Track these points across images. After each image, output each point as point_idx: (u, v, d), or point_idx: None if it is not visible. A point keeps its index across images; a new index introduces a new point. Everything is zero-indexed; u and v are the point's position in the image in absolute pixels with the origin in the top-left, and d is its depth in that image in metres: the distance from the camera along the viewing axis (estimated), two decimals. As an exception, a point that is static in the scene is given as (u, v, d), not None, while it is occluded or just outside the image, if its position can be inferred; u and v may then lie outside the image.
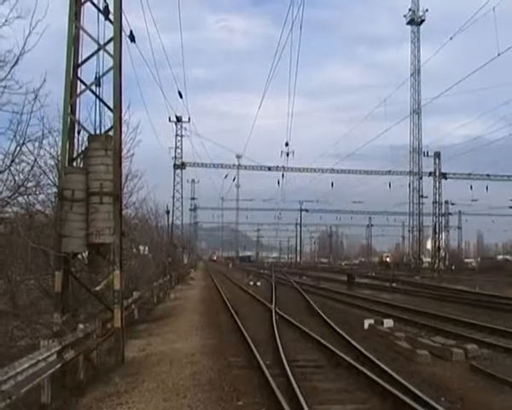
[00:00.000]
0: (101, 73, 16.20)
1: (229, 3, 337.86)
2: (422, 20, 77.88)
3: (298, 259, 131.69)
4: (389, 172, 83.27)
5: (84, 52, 16.22)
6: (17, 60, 12.06)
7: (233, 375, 13.74)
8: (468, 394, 11.82)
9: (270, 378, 12.49)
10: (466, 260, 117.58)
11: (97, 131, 16.12)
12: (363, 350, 15.71)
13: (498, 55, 40.24)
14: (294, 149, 67.97)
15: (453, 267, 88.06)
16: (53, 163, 17.13)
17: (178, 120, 73.96)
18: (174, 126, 75.64)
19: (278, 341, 17.50)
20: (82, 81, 16.26)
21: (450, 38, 52.30)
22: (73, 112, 15.99)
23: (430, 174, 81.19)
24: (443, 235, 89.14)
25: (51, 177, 16.70)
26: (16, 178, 13.32)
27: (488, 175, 79.76)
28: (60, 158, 16.08)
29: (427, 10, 77.41)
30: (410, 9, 77.92)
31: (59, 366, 11.58)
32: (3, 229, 14.53)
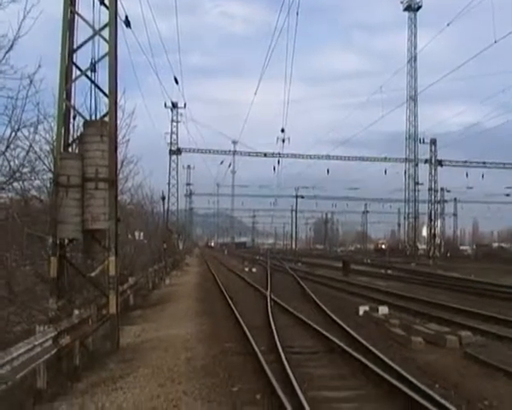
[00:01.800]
0: (96, 59, 16.17)
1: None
2: (419, 7, 77.69)
3: (293, 245, 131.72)
4: (385, 158, 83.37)
5: (80, 37, 16.18)
6: (12, 45, 12.05)
7: (228, 361, 13.78)
8: (462, 381, 11.86)
9: (264, 364, 12.52)
10: (461, 248, 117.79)
11: (93, 117, 16.11)
12: (357, 337, 15.76)
13: (495, 42, 40.15)
14: (290, 135, 68.25)
15: (448, 255, 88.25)
16: (48, 149, 17.13)
17: (174, 105, 73.97)
18: (170, 112, 75.60)
19: (273, 327, 17.55)
20: (77, 67, 16.22)
21: (447, 25, 52.01)
22: (69, 97, 15.96)
23: (426, 161, 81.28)
24: (438, 222, 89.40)
25: (47, 162, 16.69)
26: (11, 163, 13.33)
27: (484, 163, 79.81)
28: (55, 144, 16.07)
29: (424, -5, 77.17)
30: (406, -5, 77.72)
31: (54, 351, 11.59)
32: (-1, 215, 14.53)
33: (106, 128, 15.64)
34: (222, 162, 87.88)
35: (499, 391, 11.15)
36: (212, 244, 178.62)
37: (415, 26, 77.92)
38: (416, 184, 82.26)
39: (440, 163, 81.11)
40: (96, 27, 15.99)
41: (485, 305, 24.07)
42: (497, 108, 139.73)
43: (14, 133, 12.88)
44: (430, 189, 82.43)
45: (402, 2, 78.61)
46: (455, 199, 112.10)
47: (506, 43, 40.09)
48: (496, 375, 12.31)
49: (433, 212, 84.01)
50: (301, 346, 15.73)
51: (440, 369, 12.86)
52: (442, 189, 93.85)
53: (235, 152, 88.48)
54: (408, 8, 78.07)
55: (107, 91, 15.95)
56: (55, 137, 16.18)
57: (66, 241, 16.20)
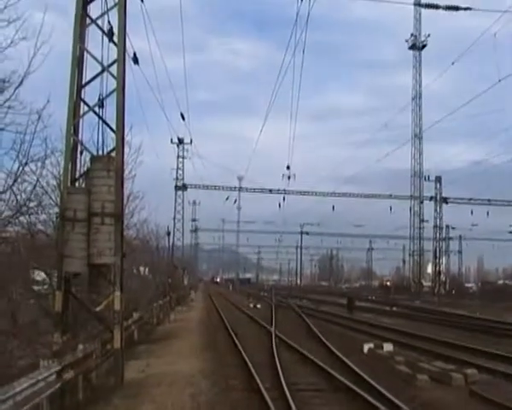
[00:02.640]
0: (104, 95, 16.33)
1: (234, 28, 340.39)
2: (424, 45, 78.20)
3: (298, 281, 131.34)
4: (390, 196, 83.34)
5: (88, 73, 16.38)
6: (21, 81, 12.22)
7: (232, 398, 13.72)
8: (468, 419, 11.80)
9: (269, 401, 12.47)
10: (466, 285, 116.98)
11: (100, 152, 16.22)
12: (362, 374, 15.67)
13: (499, 81, 40.51)
14: (296, 172, 68.10)
15: (453, 292, 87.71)
16: (55, 183, 17.26)
17: (180, 141, 74.23)
18: (176, 148, 75.90)
19: (278, 363, 17.48)
20: (85, 102, 16.38)
21: (452, 64, 52.60)
22: (76, 132, 16.10)
23: (431, 198, 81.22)
24: (443, 259, 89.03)
25: (53, 197, 16.81)
26: (18, 197, 13.42)
27: (489, 200, 79.74)
28: (62, 178, 16.17)
29: (429, 35, 77.81)
30: (411, 34, 78.37)
31: (58, 386, 11.56)
32: (5, 248, 14.59)
33: (113, 163, 15.74)
34: (227, 198, 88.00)
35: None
36: (218, 280, 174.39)
37: (419, 64, 78.45)
38: (422, 221, 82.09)
39: (445, 200, 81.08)
40: (105, 64, 16.19)
41: (490, 343, 23.92)
42: (501, 146, 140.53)
43: (21, 168, 13.00)
44: (435, 226, 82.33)
45: (407, 41, 79.22)
46: (460, 236, 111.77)
47: (509, 81, 40.44)
48: (502, 413, 12.23)
49: (438, 249, 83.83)
50: (306, 383, 15.64)
51: (445, 407, 12.80)
52: (447, 226, 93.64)
53: (240, 188, 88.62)
54: (413, 47, 78.60)
55: (114, 127, 16.09)
56: (61, 172, 16.29)
57: (72, 275, 16.20)
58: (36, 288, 18.07)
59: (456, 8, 46.27)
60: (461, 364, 17.82)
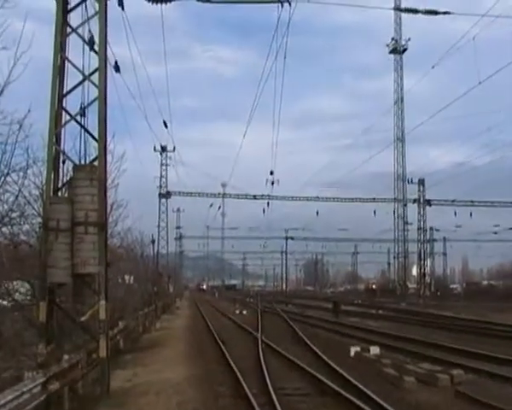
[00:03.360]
0: (86, 104, 16.26)
1: (218, 35, 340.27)
2: (405, 49, 78.70)
3: (284, 287, 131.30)
4: (374, 199, 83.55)
5: (69, 82, 16.29)
6: (2, 90, 12.18)
7: (220, 405, 13.70)
8: (454, 419, 11.85)
9: (256, 407, 12.47)
10: (451, 286, 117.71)
11: (82, 161, 16.14)
12: (349, 377, 15.70)
13: (479, 83, 40.83)
14: (279, 177, 68.04)
15: (439, 293, 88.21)
16: (38, 193, 17.16)
17: (163, 149, 74.16)
18: (159, 156, 75.78)
19: (264, 369, 17.47)
20: (67, 111, 16.30)
21: (432, 67, 52.94)
22: (58, 142, 16.00)
23: (415, 201, 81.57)
24: (428, 261, 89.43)
25: (36, 207, 16.72)
26: (0, 208, 13.35)
27: (472, 201, 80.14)
28: (44, 188, 16.07)
29: (409, 39, 78.30)
30: (392, 38, 78.84)
31: (43, 397, 11.47)
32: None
33: (95, 172, 15.66)
34: (211, 205, 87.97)
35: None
36: (204, 287, 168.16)
37: (401, 68, 78.89)
38: (406, 223, 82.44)
39: (429, 203, 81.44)
40: (86, 72, 16.13)
41: (475, 343, 24.05)
42: (483, 147, 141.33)
43: (3, 178, 12.97)
44: (419, 228, 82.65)
45: (388, 46, 79.71)
46: (444, 238, 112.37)
47: (490, 84, 40.79)
48: (488, 413, 12.30)
49: (422, 251, 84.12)
50: (293, 388, 15.64)
51: (432, 408, 12.84)
52: (431, 228, 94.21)
53: (224, 195, 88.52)
54: (394, 51, 79.04)
55: (96, 136, 16.01)
56: (44, 182, 16.19)
57: (56, 285, 16.10)
58: (19, 298, 17.94)
59: (435, 13, 46.52)
60: (447, 365, 17.92)
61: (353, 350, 21.88)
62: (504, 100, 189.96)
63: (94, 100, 16.07)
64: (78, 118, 16.37)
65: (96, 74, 16.00)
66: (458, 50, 45.30)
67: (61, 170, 16.23)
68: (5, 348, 13.52)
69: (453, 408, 12.89)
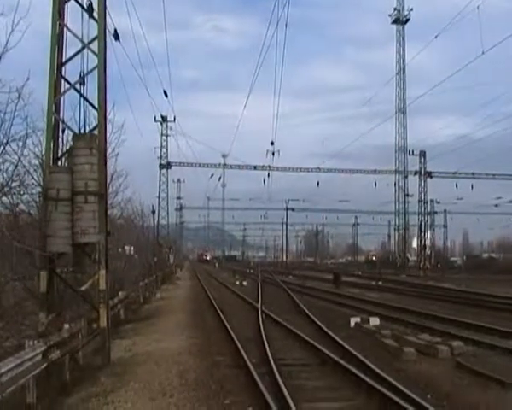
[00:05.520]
0: (85, 72, 16.10)
1: (219, 3, 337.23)
2: (407, 20, 78.23)
3: (284, 258, 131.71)
4: (375, 171, 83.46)
5: (69, 51, 16.11)
6: (-1, 58, 12.00)
7: (220, 374, 13.72)
8: (454, 390, 11.86)
9: (256, 377, 12.48)
10: (452, 259, 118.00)
11: (82, 131, 16.03)
12: (349, 348, 15.73)
13: (483, 53, 40.53)
14: (280, 148, 68.13)
15: (439, 266, 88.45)
16: (37, 163, 17.07)
17: (164, 119, 73.97)
18: (159, 126, 75.59)
19: (264, 339, 17.50)
20: (66, 80, 16.15)
21: (435, 37, 52.44)
22: (58, 111, 15.89)
23: (416, 173, 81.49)
24: (428, 233, 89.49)
25: (35, 176, 16.63)
26: (0, 177, 13.25)
27: (473, 174, 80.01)
28: (44, 157, 15.99)
29: (411, 9, 77.84)
30: (395, 8, 78.29)
31: (44, 366, 11.48)
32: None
33: (95, 141, 15.56)
34: (212, 176, 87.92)
35: (491, 400, 11.16)
36: (208, 257, 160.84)
37: (403, 38, 78.51)
38: (406, 195, 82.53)
39: (430, 175, 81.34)
40: (85, 40, 15.95)
41: (476, 315, 24.11)
42: (485, 119, 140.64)
43: (2, 147, 12.83)
44: (420, 200, 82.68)
45: (390, 16, 79.18)
46: (445, 210, 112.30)
47: (494, 53, 40.46)
48: (488, 384, 12.31)
49: (423, 223, 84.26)
50: (293, 358, 15.69)
51: (432, 379, 12.85)
52: (432, 200, 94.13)
53: (225, 165, 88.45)
54: (396, 21, 78.58)
55: (96, 105, 15.90)
56: (44, 151, 16.09)
57: (56, 255, 16.08)
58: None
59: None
60: (447, 336, 17.94)
61: (353, 321, 21.94)
62: (509, 71, 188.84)
63: (93, 68, 15.92)
64: (78, 86, 16.22)
65: (96, 42, 15.82)
66: (462, 20, 44.87)
67: (60, 139, 16.13)
68: (6, 317, 13.51)
69: (453, 379, 12.88)
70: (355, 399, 11.30)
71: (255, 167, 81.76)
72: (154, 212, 61.93)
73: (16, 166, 13.89)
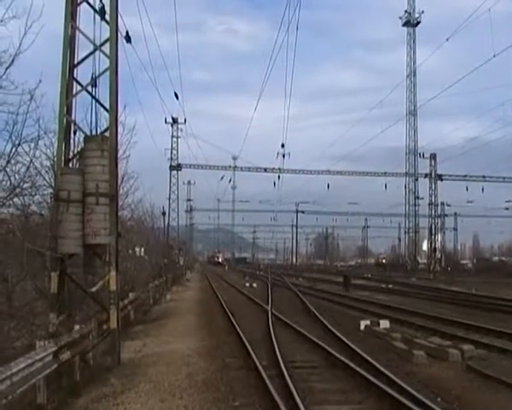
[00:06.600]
0: (97, 74, 16.17)
1: (231, 6, 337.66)
2: (418, 22, 78.01)
3: (294, 260, 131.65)
4: (385, 173, 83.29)
5: (80, 53, 16.19)
6: (13, 60, 12.09)
7: (229, 376, 13.72)
8: (465, 394, 11.83)
9: (266, 379, 12.48)
10: (462, 262, 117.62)
11: (93, 132, 16.09)
12: (359, 351, 15.71)
13: (494, 56, 40.40)
14: (291, 151, 67.99)
15: (449, 269, 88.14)
16: (49, 164, 17.14)
17: (174, 121, 74.01)
18: (170, 128, 75.68)
19: (274, 342, 17.49)
20: (78, 82, 16.22)
21: (447, 40, 52.32)
22: (69, 112, 15.96)
23: (426, 176, 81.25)
24: (439, 236, 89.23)
25: (47, 178, 16.69)
26: (12, 179, 13.33)
27: (484, 177, 79.71)
28: (56, 159, 16.06)
29: (422, 12, 77.60)
30: (405, 11, 78.08)
31: (55, 366, 11.54)
32: (-1, 230, 14.52)
33: (106, 143, 15.62)
34: (222, 178, 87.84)
35: (501, 404, 11.14)
36: (220, 259, 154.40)
37: (413, 41, 78.27)
38: (416, 198, 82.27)
39: (440, 177, 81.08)
40: (97, 43, 16.02)
41: (487, 319, 24.02)
42: (496, 122, 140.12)
43: (14, 149, 12.89)
44: (430, 203, 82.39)
45: (401, 18, 78.99)
46: (455, 213, 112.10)
47: (505, 57, 40.30)
48: (498, 388, 12.28)
49: (433, 226, 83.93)
50: (303, 360, 15.66)
51: (443, 382, 12.82)
52: (442, 203, 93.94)
53: (235, 168, 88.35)
54: (407, 24, 78.36)
55: (107, 106, 15.96)
56: (55, 153, 16.17)
57: (67, 256, 16.14)
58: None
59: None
60: (457, 340, 17.89)
61: (363, 324, 21.90)
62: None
63: (105, 70, 15.98)
64: (90, 88, 16.29)
65: (108, 45, 15.89)
66: (473, 23, 44.74)
67: (72, 141, 16.19)
68: (17, 317, 13.58)
69: (464, 383, 12.84)
70: (365, 402, 11.28)
71: (265, 170, 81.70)
72: (164, 214, 62.13)
73: (28, 168, 13.96)
